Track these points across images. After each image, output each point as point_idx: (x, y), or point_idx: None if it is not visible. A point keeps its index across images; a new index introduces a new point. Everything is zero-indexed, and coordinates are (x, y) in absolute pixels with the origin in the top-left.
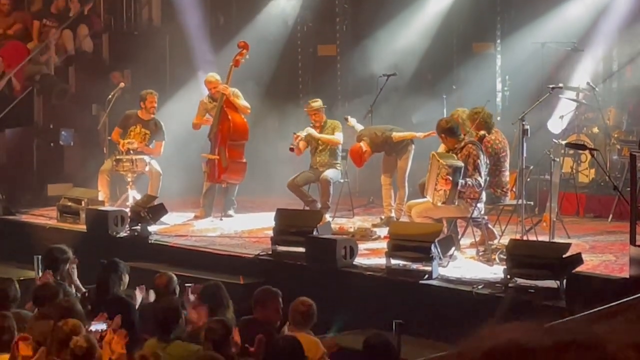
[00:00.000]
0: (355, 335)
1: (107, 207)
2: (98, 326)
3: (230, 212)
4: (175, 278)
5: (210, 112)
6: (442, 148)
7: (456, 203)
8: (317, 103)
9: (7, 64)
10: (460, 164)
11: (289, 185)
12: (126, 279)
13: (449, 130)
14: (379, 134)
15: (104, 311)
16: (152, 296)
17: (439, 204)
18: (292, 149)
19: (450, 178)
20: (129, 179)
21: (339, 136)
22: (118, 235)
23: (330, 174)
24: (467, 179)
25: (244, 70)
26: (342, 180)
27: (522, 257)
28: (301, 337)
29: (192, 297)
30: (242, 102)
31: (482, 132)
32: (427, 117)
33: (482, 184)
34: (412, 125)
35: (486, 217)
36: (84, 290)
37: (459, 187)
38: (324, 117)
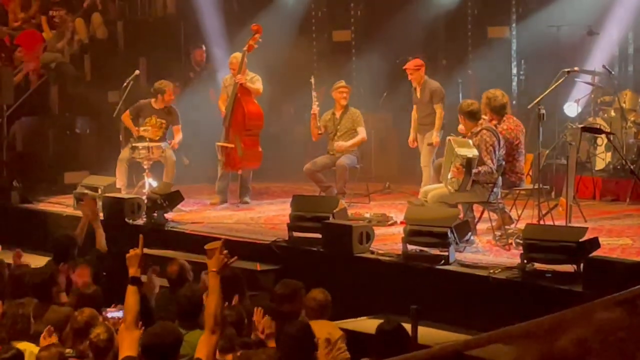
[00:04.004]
0: (372, 321)
1: (123, 195)
2: (114, 314)
3: (246, 198)
4: (187, 265)
5: (227, 88)
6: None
7: (468, 189)
8: (341, 84)
9: (24, 53)
10: (475, 154)
11: (305, 171)
12: None
13: (468, 114)
14: None
15: (118, 300)
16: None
17: (452, 190)
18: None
19: (463, 168)
20: (145, 166)
21: (362, 132)
22: (135, 223)
23: (346, 159)
24: (480, 167)
25: (259, 57)
26: (357, 166)
27: (538, 242)
28: (317, 321)
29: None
30: (257, 84)
31: (494, 122)
32: None
33: (494, 170)
34: None
35: (502, 202)
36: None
37: (471, 177)
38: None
